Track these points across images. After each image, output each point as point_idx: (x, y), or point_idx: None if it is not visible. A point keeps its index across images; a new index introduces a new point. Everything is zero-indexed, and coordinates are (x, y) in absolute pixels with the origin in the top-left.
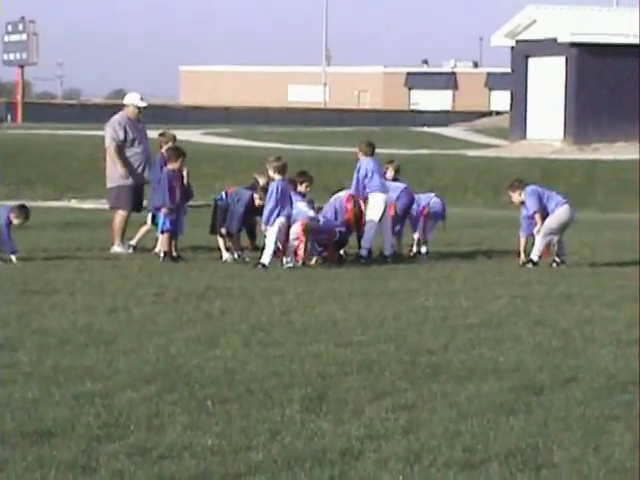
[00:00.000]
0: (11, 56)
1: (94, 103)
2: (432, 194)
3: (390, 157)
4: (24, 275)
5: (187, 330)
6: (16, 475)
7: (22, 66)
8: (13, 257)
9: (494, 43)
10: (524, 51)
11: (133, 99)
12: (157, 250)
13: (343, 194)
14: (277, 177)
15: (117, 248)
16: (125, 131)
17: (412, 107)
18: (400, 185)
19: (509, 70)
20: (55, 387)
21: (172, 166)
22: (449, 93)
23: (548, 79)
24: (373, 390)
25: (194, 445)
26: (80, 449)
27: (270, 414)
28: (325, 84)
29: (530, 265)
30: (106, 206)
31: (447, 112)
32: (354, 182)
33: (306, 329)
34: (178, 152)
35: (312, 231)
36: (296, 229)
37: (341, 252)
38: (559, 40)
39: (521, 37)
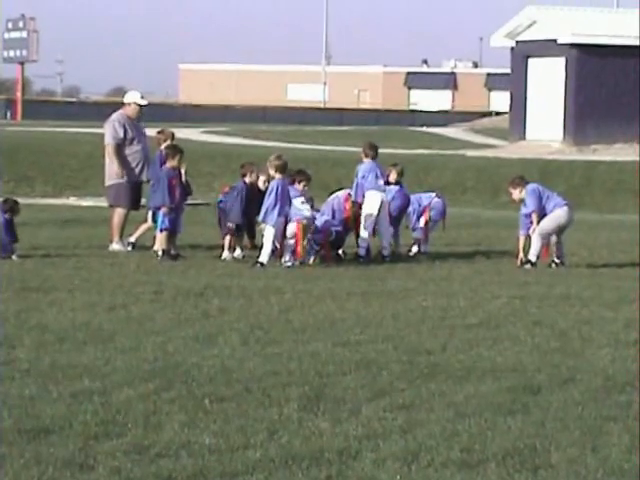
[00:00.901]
0: (11, 53)
1: (94, 101)
2: (433, 194)
3: (389, 157)
4: (22, 272)
5: (185, 328)
6: (13, 472)
7: (22, 63)
8: (14, 256)
9: (494, 43)
10: (524, 52)
11: (134, 97)
12: (155, 248)
13: (341, 193)
14: (277, 176)
15: (115, 246)
16: (124, 129)
17: (411, 107)
18: (395, 187)
19: (509, 71)
20: (53, 384)
21: (171, 164)
22: (449, 93)
23: (548, 80)
24: (371, 389)
25: (191, 443)
26: (77, 446)
27: (268, 413)
28: (325, 83)
29: (528, 266)
30: (105, 204)
31: (446, 112)
32: (354, 186)
33: (304, 328)
34: (176, 150)
35: (308, 230)
36: (292, 228)
37: (339, 252)
38: (559, 41)
39: (521, 38)
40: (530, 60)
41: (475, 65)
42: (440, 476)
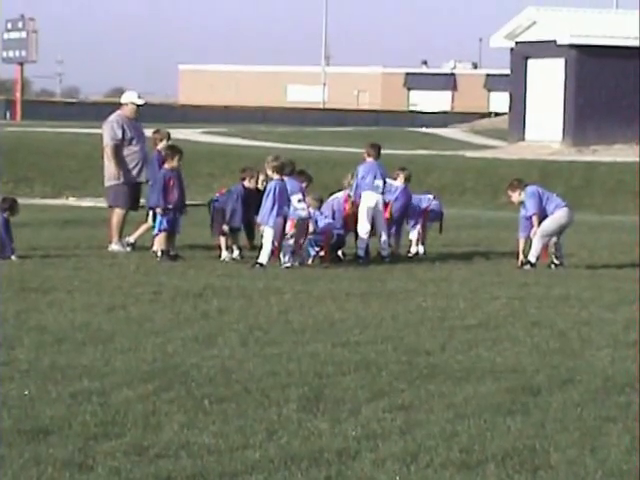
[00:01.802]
0: (10, 54)
1: (93, 101)
2: (431, 196)
3: (389, 157)
4: (22, 273)
5: (185, 329)
6: (13, 473)
7: (21, 64)
8: (13, 256)
9: (493, 44)
10: (523, 52)
11: (131, 97)
12: (154, 249)
13: (341, 194)
14: (275, 177)
15: (115, 246)
16: (123, 130)
17: (411, 108)
18: (398, 185)
19: (508, 71)
20: (52, 385)
21: (170, 165)
22: (448, 94)
23: (547, 81)
24: (370, 390)
25: (191, 444)
26: (77, 447)
27: (267, 413)
28: (324, 84)
29: (528, 267)
30: (104, 204)
31: (446, 113)
32: (354, 186)
33: (304, 329)
34: (175, 151)
35: (305, 231)
36: (287, 228)
37: (339, 253)
38: (558, 42)
39: (520, 38)
40: (530, 61)
41: (474, 66)
42: (439, 477)
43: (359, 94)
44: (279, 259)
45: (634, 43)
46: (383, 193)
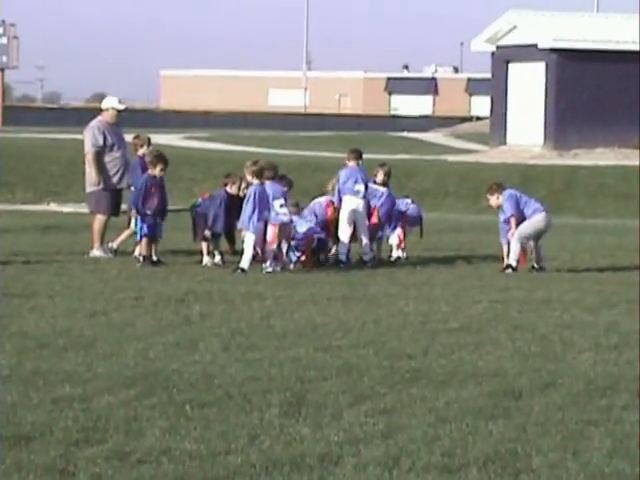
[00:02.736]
0: None
1: (74, 106)
2: (408, 200)
3: (371, 162)
4: (3, 278)
5: (166, 334)
6: None
7: (2, 69)
8: None
9: (475, 48)
10: (504, 56)
11: (112, 102)
12: (136, 254)
13: (323, 199)
14: (255, 181)
15: (96, 252)
16: (104, 136)
17: (392, 112)
18: (383, 190)
19: (489, 75)
20: (34, 391)
21: (153, 172)
22: (429, 98)
23: (528, 85)
24: (352, 394)
25: (172, 449)
26: (58, 453)
27: (249, 418)
28: (305, 88)
29: (509, 270)
30: (86, 210)
31: (427, 117)
32: (335, 192)
33: (285, 333)
34: (159, 159)
35: (287, 235)
36: (269, 232)
37: (321, 257)
38: (539, 46)
39: (501, 42)
40: (511, 65)
41: (456, 70)
42: None
43: (340, 98)
44: (260, 264)
45: (615, 47)
46: (365, 197)
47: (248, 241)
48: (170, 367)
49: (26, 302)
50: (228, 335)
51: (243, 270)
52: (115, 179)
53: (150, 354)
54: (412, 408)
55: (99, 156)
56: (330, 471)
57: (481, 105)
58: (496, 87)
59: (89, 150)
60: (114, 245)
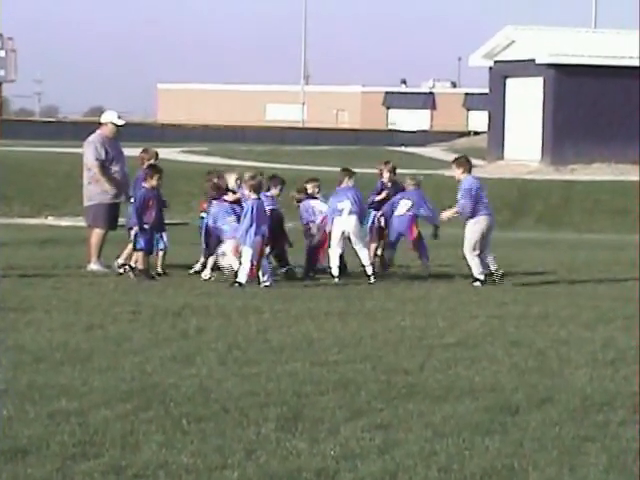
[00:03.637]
0: None
1: (72, 120)
2: (408, 201)
3: (368, 177)
4: (0, 292)
5: (163, 348)
6: None
7: (0, 83)
8: None
9: (472, 63)
10: (502, 71)
11: (111, 117)
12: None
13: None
14: (252, 196)
15: (93, 266)
16: (105, 150)
17: (390, 127)
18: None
19: (487, 90)
20: (30, 405)
21: (149, 184)
22: (427, 113)
23: (526, 100)
24: (349, 409)
25: (169, 463)
26: (55, 467)
27: (245, 433)
28: (303, 103)
29: (477, 283)
30: (83, 223)
31: (425, 132)
32: (329, 214)
33: (282, 348)
34: (155, 170)
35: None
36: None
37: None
38: (537, 61)
39: (499, 58)
40: (508, 80)
41: (453, 85)
42: None
43: (338, 113)
44: (258, 278)
45: (612, 62)
46: (354, 212)
47: (246, 255)
48: (167, 381)
49: (23, 316)
50: (225, 349)
51: (240, 284)
52: (113, 193)
53: (147, 368)
54: (409, 423)
55: (105, 168)
56: None
57: (479, 120)
58: (494, 102)
59: (93, 164)
60: (120, 260)
